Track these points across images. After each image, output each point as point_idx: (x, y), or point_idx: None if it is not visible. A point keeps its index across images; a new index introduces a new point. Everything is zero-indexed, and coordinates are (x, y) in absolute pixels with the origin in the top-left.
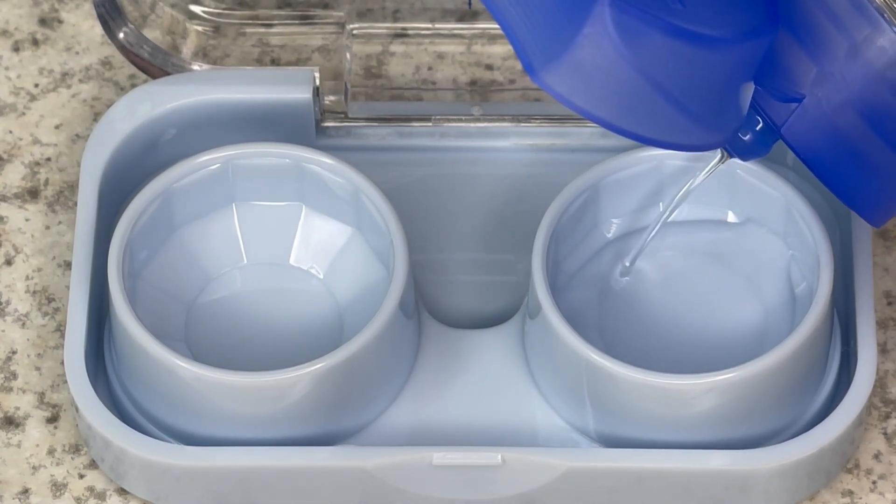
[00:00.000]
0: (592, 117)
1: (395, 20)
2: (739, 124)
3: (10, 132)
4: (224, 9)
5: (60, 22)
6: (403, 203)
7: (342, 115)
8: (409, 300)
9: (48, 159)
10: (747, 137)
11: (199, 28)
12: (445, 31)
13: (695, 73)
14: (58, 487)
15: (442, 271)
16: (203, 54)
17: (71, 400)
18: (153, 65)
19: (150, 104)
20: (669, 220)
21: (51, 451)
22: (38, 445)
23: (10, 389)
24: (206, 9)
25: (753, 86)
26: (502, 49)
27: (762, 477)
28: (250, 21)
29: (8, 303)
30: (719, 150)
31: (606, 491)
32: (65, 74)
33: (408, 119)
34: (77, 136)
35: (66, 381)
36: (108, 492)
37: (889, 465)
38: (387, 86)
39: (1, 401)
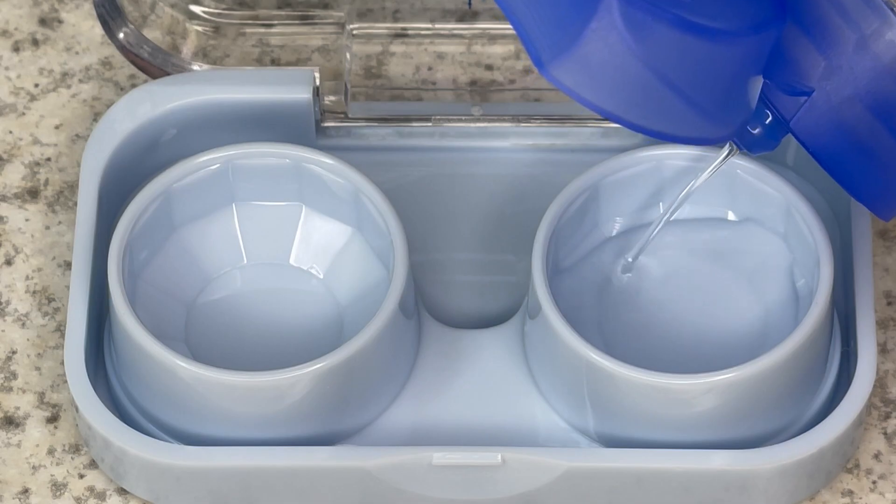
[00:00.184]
0: (601, 111)
1: (395, 20)
2: (748, 118)
3: (10, 132)
4: (224, 9)
5: (60, 22)
6: (403, 203)
7: (342, 115)
8: (409, 300)
9: (48, 159)
10: (756, 131)
11: (199, 28)
12: (445, 31)
13: (703, 67)
14: (58, 487)
15: (442, 271)
16: (203, 54)
17: (71, 400)
18: (153, 65)
19: (150, 104)
20: (670, 220)
21: (51, 451)
22: (38, 445)
23: (10, 389)
24: (206, 9)
25: (762, 79)
26: (502, 49)
27: (762, 477)
28: (250, 21)
29: (8, 303)
30: (729, 143)
31: (606, 491)
32: (65, 74)
33: (408, 119)
34: (77, 136)
35: (66, 381)
36: (108, 492)
37: (889, 465)
38: (387, 86)
39: (1, 401)
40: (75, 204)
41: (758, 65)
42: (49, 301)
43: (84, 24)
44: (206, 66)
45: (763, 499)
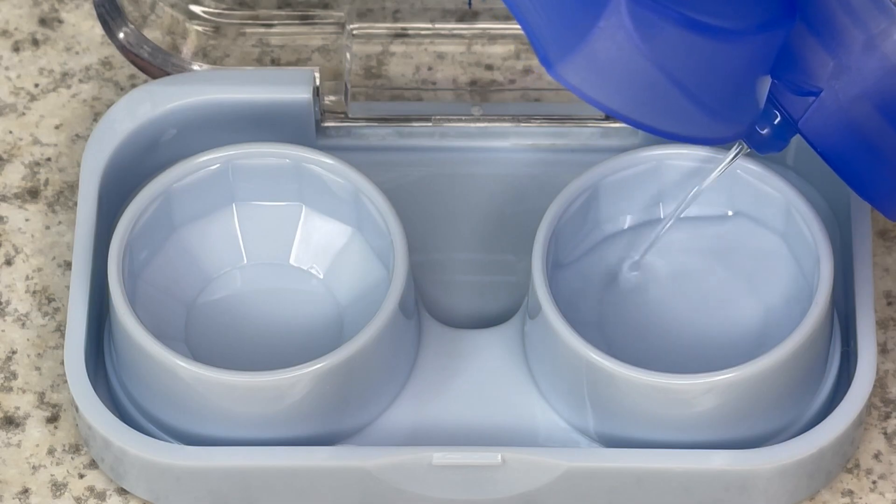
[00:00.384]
0: (608, 110)
1: (395, 20)
2: (756, 117)
3: (10, 132)
4: (224, 9)
5: (60, 22)
6: (403, 203)
7: (342, 115)
8: (409, 300)
9: (48, 159)
10: (765, 131)
11: (199, 28)
12: (445, 31)
13: (710, 66)
14: (58, 487)
15: (442, 271)
16: (203, 54)
17: (71, 400)
18: (153, 65)
19: (150, 104)
20: (670, 219)
21: (51, 451)
22: (38, 445)
23: (10, 389)
24: (206, 9)
25: (770, 79)
26: (502, 49)
27: (762, 477)
28: (250, 21)
29: (8, 303)
30: (738, 142)
31: (606, 491)
32: (65, 74)
33: (408, 119)
34: (77, 136)
35: (66, 381)
36: (108, 492)
37: (889, 465)
38: (387, 86)
39: (1, 401)
40: (75, 204)
41: (766, 64)
42: (49, 301)
43: (84, 24)
44: (206, 66)
45: (763, 499)
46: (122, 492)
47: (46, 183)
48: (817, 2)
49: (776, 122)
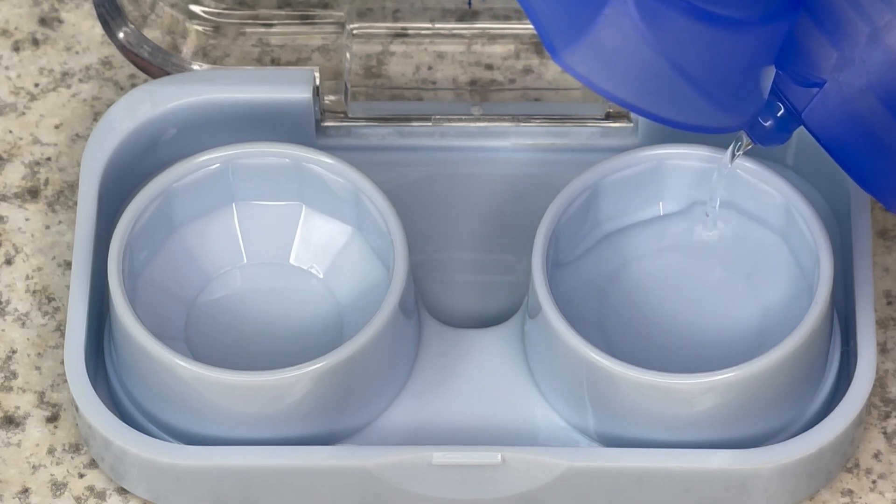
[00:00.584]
0: (613, 98)
1: (395, 20)
2: (760, 108)
3: (10, 132)
4: (224, 9)
5: (60, 22)
6: (403, 203)
7: (342, 115)
8: (409, 300)
9: (48, 159)
10: (768, 123)
11: (199, 28)
12: (445, 31)
13: (715, 55)
14: (58, 487)
15: (442, 271)
16: (203, 54)
17: (71, 399)
18: (153, 65)
19: (150, 104)
20: (669, 218)
21: (51, 451)
22: (38, 445)
23: (10, 389)
24: (206, 9)
25: (774, 70)
26: (502, 49)
27: (762, 477)
28: (250, 21)
29: (8, 302)
30: (743, 135)
31: (606, 491)
32: (65, 74)
33: (408, 119)
34: (77, 135)
35: (66, 381)
36: (108, 491)
37: (889, 465)
38: (387, 85)
39: (1, 400)
40: (75, 204)
41: (770, 55)
42: (49, 301)
43: (84, 24)
44: (206, 66)
45: (763, 498)
46: (122, 491)
47: (46, 183)
48: None
49: (779, 114)
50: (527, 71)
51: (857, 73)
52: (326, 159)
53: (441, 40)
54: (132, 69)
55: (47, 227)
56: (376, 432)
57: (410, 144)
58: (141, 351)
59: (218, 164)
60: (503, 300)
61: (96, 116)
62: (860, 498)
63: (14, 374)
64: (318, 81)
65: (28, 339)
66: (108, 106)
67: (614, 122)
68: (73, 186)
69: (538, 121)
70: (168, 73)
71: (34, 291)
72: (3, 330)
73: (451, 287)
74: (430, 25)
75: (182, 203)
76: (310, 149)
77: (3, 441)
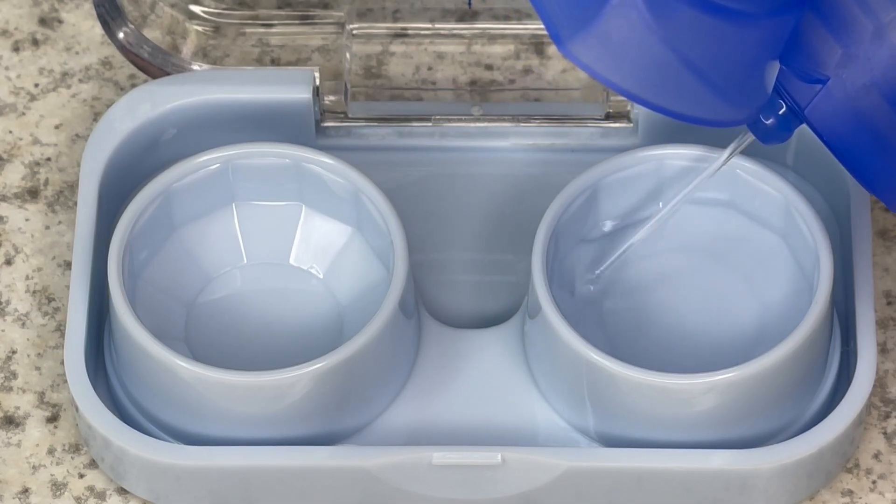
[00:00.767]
0: (619, 89)
1: (395, 20)
2: (764, 102)
3: (10, 132)
4: (224, 9)
5: (60, 22)
6: (403, 203)
7: (342, 115)
8: (409, 300)
9: (48, 159)
10: (770, 121)
11: (199, 28)
12: (445, 31)
13: (721, 48)
14: (58, 487)
15: (442, 271)
16: (203, 54)
17: (71, 400)
18: (153, 65)
19: (150, 104)
20: (669, 219)
21: (51, 451)
22: (38, 445)
23: (10, 389)
24: (206, 9)
25: (779, 65)
26: (502, 49)
27: (762, 477)
28: (250, 21)
29: (8, 303)
30: (746, 130)
31: (606, 491)
32: (65, 74)
33: (408, 119)
34: (77, 136)
35: (66, 381)
36: (108, 491)
37: (889, 465)
38: (387, 86)
39: (1, 400)
40: (75, 204)
41: (775, 49)
42: (49, 301)
43: (84, 24)
44: (206, 66)
45: (763, 499)
46: (122, 491)
47: (46, 183)
48: None
49: (781, 112)
50: (527, 71)
51: (861, 69)
52: (326, 159)
53: (441, 40)
54: (132, 69)
55: (47, 228)
56: (376, 432)
57: (410, 144)
58: (141, 351)
59: (218, 164)
60: (503, 300)
61: (96, 116)
62: (860, 498)
63: (14, 375)
64: (318, 81)
65: (28, 339)
66: (108, 106)
67: (614, 123)
68: (73, 186)
69: (538, 121)
70: (168, 74)
71: (34, 291)
72: (3, 330)
73: (451, 287)
74: (430, 25)
75: (182, 203)
76: (310, 149)
77: (3, 441)
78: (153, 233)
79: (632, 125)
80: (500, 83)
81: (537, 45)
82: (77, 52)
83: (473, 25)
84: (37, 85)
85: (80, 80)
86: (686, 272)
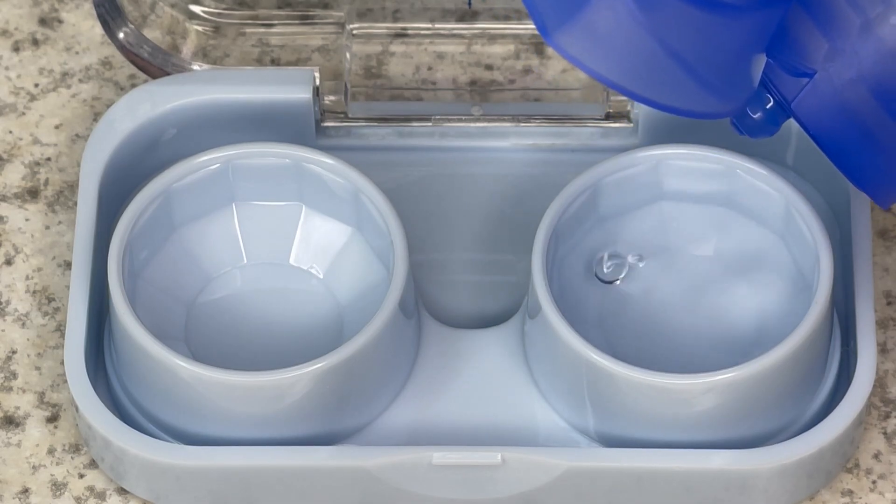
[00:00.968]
0: (604, 80)
1: (395, 20)
2: (750, 95)
3: (10, 132)
4: (224, 9)
5: (60, 22)
6: (403, 203)
7: (342, 115)
8: (409, 300)
9: (48, 159)
10: (757, 115)
11: (199, 28)
12: (445, 31)
13: (708, 40)
14: (58, 487)
15: (442, 271)
16: (203, 54)
17: (71, 400)
18: (153, 65)
19: (150, 104)
20: (670, 219)
21: (51, 451)
22: (38, 445)
23: (10, 389)
24: (206, 9)
25: (765, 58)
26: (502, 49)
27: (762, 477)
28: (250, 21)
29: (8, 303)
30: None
31: (606, 491)
32: (65, 74)
33: (408, 119)
34: (77, 136)
35: (66, 381)
36: (108, 491)
37: (889, 465)
38: (387, 86)
39: (1, 400)
40: (75, 204)
41: (762, 41)
42: (49, 301)
43: (84, 24)
44: (206, 66)
45: (763, 499)
46: (122, 491)
47: (46, 183)
48: None
49: (768, 106)
50: (527, 71)
51: (848, 63)
52: (326, 159)
53: (441, 40)
54: (132, 69)
55: (47, 228)
56: (376, 432)
57: (410, 144)
58: (141, 351)
59: (218, 165)
60: (503, 300)
61: (96, 116)
62: (860, 498)
63: (14, 375)
64: (318, 81)
65: (28, 339)
66: (108, 106)
67: (614, 123)
68: (73, 186)
69: (538, 121)
70: (168, 74)
71: (34, 291)
72: (3, 330)
73: (451, 287)
74: (430, 25)
75: (182, 203)
76: (310, 149)
77: (3, 441)
78: (153, 233)
79: (632, 125)
80: (500, 83)
81: (537, 45)
82: (77, 52)
83: (473, 25)
84: (37, 85)
85: (80, 80)
86: (686, 272)
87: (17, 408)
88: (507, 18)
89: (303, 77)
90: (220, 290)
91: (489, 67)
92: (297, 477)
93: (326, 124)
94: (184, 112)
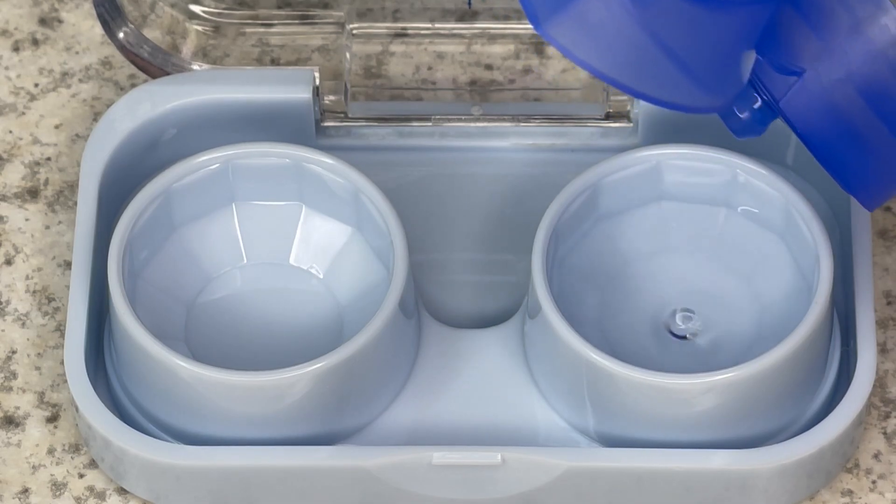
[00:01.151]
0: (594, 71)
1: (395, 20)
2: (739, 91)
3: (10, 132)
4: (224, 9)
5: (60, 22)
6: (403, 203)
7: (342, 115)
8: (409, 300)
9: (48, 159)
10: (745, 115)
11: (199, 28)
12: (445, 31)
13: (699, 33)
14: (58, 487)
15: (442, 271)
16: (203, 54)
17: (71, 400)
18: (153, 65)
19: (150, 104)
20: (670, 218)
21: (51, 451)
22: (38, 445)
23: (10, 389)
24: (206, 9)
25: (754, 54)
26: (502, 49)
27: (762, 477)
28: (250, 21)
29: (8, 303)
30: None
31: (606, 491)
32: (65, 74)
33: (408, 119)
34: (77, 136)
35: (66, 381)
36: (107, 491)
37: (889, 465)
38: (387, 86)
39: (1, 400)
40: (75, 204)
41: (751, 37)
42: (49, 301)
43: (84, 24)
44: (206, 66)
45: (763, 499)
46: (122, 491)
47: (46, 183)
48: None
49: (755, 105)
50: (527, 71)
51: (838, 63)
52: (326, 159)
53: (441, 40)
54: (132, 69)
55: (47, 227)
56: (376, 432)
57: (410, 144)
58: (141, 351)
59: (218, 164)
60: (503, 300)
61: (96, 116)
62: (860, 498)
63: (14, 375)
64: (318, 81)
65: (28, 339)
66: (108, 106)
67: (614, 122)
68: (73, 186)
69: (538, 121)
70: (168, 73)
71: (34, 291)
72: (3, 330)
73: (451, 287)
74: (430, 25)
75: (182, 203)
76: (310, 149)
77: (3, 441)
78: (153, 233)
79: (632, 125)
80: (500, 83)
81: (537, 45)
82: (77, 52)
83: (473, 25)
84: (37, 85)
85: (80, 80)
86: (685, 272)
87: (17, 408)
88: (507, 18)
89: (303, 77)
90: (220, 290)
91: (489, 67)
92: (296, 477)
93: (326, 124)
94: (184, 112)
